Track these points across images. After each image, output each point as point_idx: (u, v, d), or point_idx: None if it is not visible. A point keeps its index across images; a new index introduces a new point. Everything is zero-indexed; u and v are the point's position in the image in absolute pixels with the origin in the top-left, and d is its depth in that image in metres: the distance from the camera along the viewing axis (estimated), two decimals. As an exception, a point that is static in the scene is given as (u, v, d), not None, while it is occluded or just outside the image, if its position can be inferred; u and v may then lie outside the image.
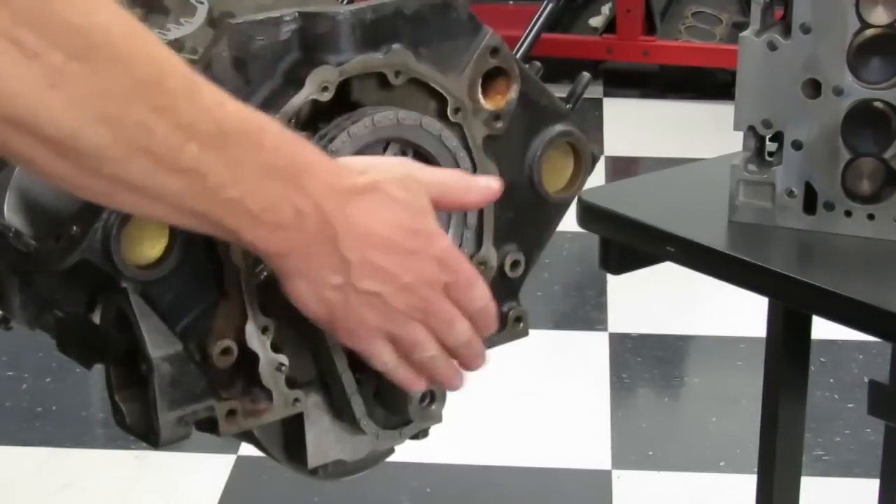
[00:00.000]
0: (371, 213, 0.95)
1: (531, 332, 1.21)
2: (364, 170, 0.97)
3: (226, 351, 1.02)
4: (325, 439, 1.10)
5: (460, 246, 1.11)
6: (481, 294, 1.02)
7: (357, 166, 0.97)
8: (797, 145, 1.44)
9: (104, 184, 0.87)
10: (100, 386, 2.47)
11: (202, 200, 0.89)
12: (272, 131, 0.91)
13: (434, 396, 1.09)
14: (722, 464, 2.62)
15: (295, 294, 0.97)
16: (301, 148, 0.93)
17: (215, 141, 0.87)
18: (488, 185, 1.05)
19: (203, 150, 0.87)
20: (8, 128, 0.82)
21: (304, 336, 1.06)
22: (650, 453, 2.67)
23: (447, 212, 1.09)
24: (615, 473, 2.60)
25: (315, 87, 1.02)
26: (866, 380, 1.30)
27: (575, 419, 2.79)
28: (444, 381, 1.04)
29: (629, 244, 1.53)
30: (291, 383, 1.06)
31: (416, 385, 1.04)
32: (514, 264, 1.18)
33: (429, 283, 0.98)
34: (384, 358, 1.01)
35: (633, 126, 4.54)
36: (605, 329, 3.15)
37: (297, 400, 1.06)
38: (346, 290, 0.96)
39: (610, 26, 4.77)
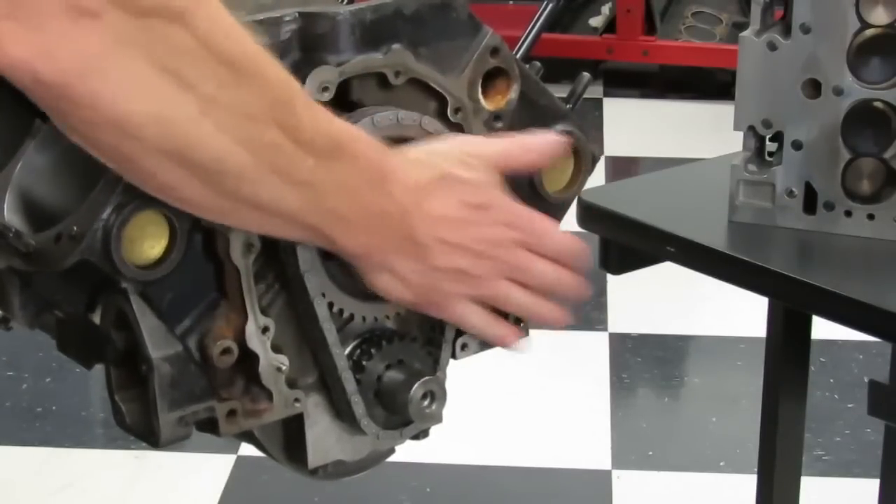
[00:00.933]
0: (441, 200, 1.02)
1: (531, 332, 1.21)
2: (428, 160, 1.02)
3: (226, 351, 1.02)
4: (325, 439, 1.10)
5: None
6: (553, 239, 1.08)
7: (422, 157, 1.02)
8: (797, 145, 1.44)
9: (234, 204, 0.92)
10: (100, 386, 2.47)
11: (313, 213, 0.95)
12: (363, 140, 0.97)
13: (434, 396, 1.09)
14: (722, 464, 2.62)
15: (379, 286, 1.03)
16: (384, 154, 0.99)
17: (327, 155, 0.93)
18: (545, 143, 1.10)
19: (317, 164, 0.92)
20: (160, 156, 0.86)
21: (304, 336, 1.06)
22: (650, 453, 2.67)
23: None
24: (615, 473, 2.60)
25: (315, 88, 1.02)
26: (866, 380, 1.30)
27: (575, 419, 2.79)
28: (546, 320, 1.10)
29: (629, 244, 1.53)
30: (291, 383, 1.06)
31: (509, 339, 1.11)
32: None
33: (500, 245, 1.05)
34: (474, 321, 1.08)
35: (633, 126, 4.54)
36: (605, 329, 3.15)
37: (297, 400, 1.06)
38: (426, 273, 1.02)
39: (610, 26, 4.77)
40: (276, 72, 0.91)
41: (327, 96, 1.03)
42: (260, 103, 0.89)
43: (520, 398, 2.87)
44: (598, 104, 4.67)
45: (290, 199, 0.93)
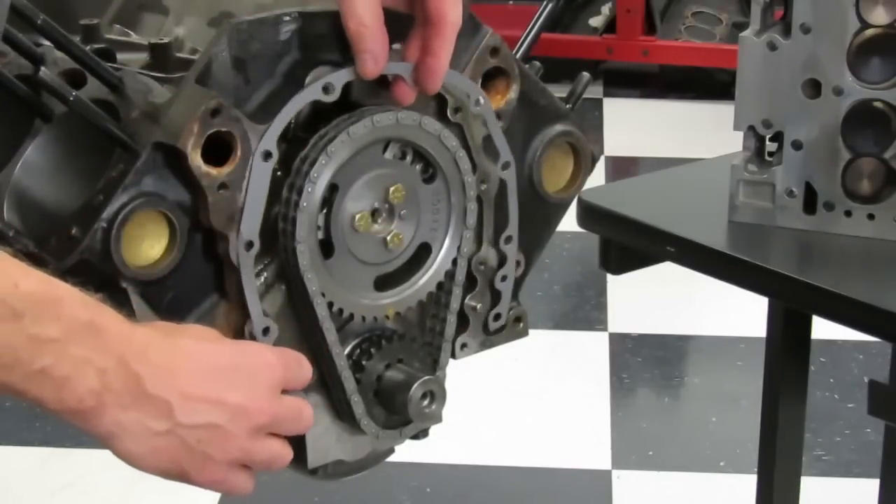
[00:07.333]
0: (170, 352, 0.94)
1: (531, 332, 1.21)
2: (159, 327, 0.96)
3: (226, 351, 1.02)
4: (325, 439, 1.10)
5: (459, 246, 1.11)
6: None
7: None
8: (797, 145, 1.44)
9: None
10: (100, 386, 2.46)
11: (10, 374, 0.87)
12: (70, 299, 0.90)
13: (434, 396, 1.08)
14: (722, 464, 2.62)
15: (128, 457, 0.95)
16: (97, 310, 0.91)
17: (14, 315, 0.86)
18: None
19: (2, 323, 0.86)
20: None
21: (304, 336, 1.06)
22: (650, 453, 2.67)
23: (447, 213, 1.10)
24: (615, 473, 2.60)
25: (315, 88, 1.02)
26: (866, 380, 1.30)
27: (575, 419, 2.79)
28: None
29: (629, 244, 1.53)
30: (291, 383, 1.06)
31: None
32: (515, 264, 1.18)
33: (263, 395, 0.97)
34: (249, 486, 0.99)
35: (633, 126, 4.54)
36: (605, 329, 3.15)
37: (297, 400, 1.06)
38: (175, 432, 0.94)
39: (610, 26, 4.77)
40: None
41: (330, 97, 1.03)
42: None
43: (520, 398, 2.87)
44: (598, 104, 4.67)
45: None
